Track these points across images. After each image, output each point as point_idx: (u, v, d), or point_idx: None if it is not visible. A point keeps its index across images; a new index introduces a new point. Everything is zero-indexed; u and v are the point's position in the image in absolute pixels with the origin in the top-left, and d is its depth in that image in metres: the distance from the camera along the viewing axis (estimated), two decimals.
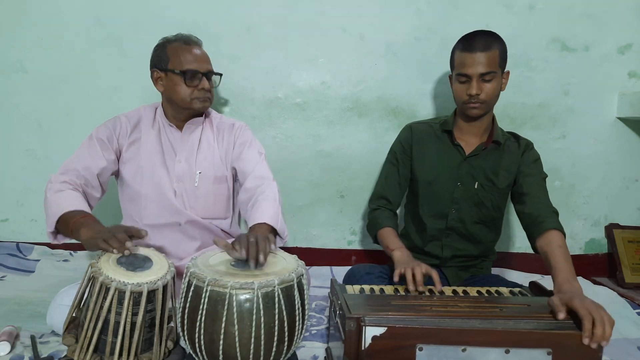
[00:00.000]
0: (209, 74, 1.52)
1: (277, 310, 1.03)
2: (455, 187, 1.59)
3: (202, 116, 1.61)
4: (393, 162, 1.69)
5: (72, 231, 1.28)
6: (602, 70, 2.02)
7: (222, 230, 1.63)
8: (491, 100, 1.49)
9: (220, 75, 1.59)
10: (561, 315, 1.09)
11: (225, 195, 1.61)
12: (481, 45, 1.44)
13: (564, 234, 1.39)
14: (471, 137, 1.59)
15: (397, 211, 1.71)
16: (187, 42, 1.52)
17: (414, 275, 1.29)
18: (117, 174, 1.59)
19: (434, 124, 1.66)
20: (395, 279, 1.33)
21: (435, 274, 1.31)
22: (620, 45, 2.01)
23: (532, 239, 1.46)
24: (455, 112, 1.62)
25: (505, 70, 1.53)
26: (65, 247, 2.04)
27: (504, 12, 1.96)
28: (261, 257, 1.09)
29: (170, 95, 1.52)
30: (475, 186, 1.58)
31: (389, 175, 1.69)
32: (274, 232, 1.37)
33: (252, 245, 1.11)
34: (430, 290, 1.30)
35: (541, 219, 1.42)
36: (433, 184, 1.61)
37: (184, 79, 1.48)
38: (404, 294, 1.29)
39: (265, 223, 1.33)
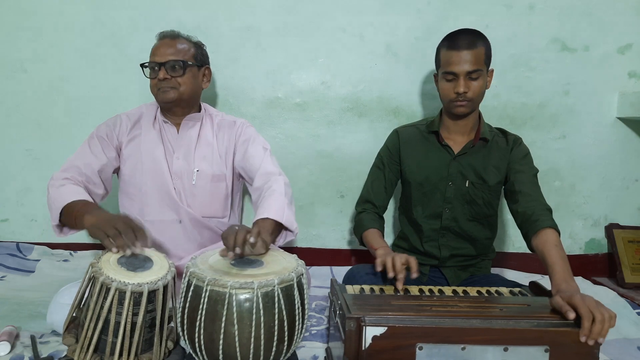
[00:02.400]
0: (166, 63, 1.49)
1: (277, 310, 1.03)
2: (447, 186, 1.59)
3: (199, 112, 1.61)
4: (379, 166, 1.70)
5: (76, 219, 1.28)
6: (602, 70, 2.02)
7: (220, 229, 1.62)
8: (477, 98, 1.50)
9: (184, 62, 1.50)
10: (571, 315, 1.06)
11: (223, 194, 1.61)
12: (467, 43, 1.45)
13: (559, 232, 1.38)
14: (458, 135, 1.59)
15: (387, 215, 1.70)
16: (160, 37, 1.56)
17: (394, 265, 1.32)
18: (117, 171, 1.59)
19: (420, 126, 1.66)
20: (378, 268, 1.36)
21: (413, 261, 1.34)
22: (620, 45, 2.01)
23: (527, 237, 1.45)
24: (441, 112, 1.62)
25: (490, 68, 1.54)
26: (66, 247, 2.05)
27: (504, 12, 1.96)
28: (251, 239, 1.11)
29: (150, 90, 1.56)
30: (466, 184, 1.58)
31: (375, 179, 1.70)
32: (281, 226, 1.36)
33: (232, 236, 1.11)
34: (406, 290, 1.31)
35: (535, 217, 1.41)
36: (425, 185, 1.62)
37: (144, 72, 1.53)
38: (403, 293, 1.29)
39: (268, 218, 1.32)
